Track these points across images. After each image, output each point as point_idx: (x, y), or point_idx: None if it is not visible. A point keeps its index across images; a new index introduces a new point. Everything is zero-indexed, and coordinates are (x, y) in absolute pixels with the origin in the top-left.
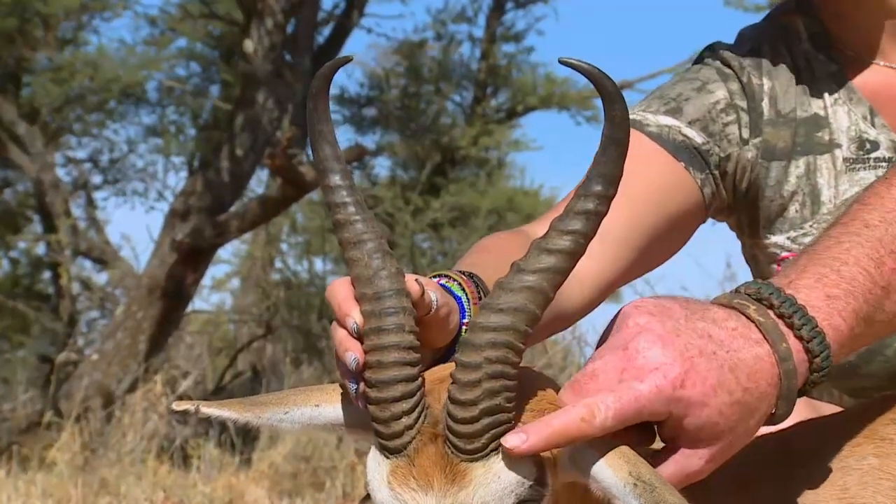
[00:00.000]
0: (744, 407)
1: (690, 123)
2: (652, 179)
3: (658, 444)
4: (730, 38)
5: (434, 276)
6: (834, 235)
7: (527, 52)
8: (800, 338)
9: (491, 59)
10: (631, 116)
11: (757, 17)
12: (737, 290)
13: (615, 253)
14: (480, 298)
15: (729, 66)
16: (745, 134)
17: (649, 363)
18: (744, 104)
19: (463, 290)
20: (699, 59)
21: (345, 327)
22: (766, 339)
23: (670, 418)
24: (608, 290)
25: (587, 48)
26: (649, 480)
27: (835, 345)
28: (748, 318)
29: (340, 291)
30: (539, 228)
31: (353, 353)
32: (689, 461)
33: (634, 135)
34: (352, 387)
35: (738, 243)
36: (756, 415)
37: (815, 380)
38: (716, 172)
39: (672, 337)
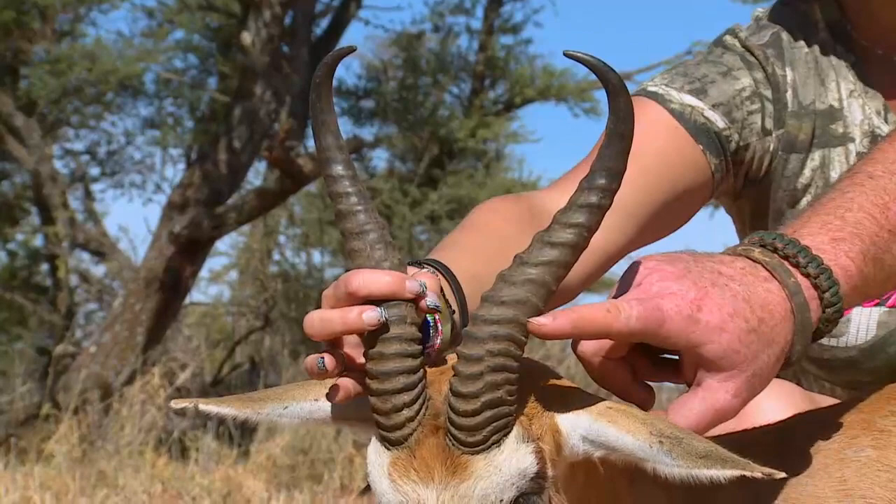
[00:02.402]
0: (761, 336)
1: (714, 107)
2: (667, 156)
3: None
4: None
5: None
6: (838, 188)
7: (525, 43)
8: (807, 275)
9: (489, 51)
10: (652, 89)
11: (756, 7)
12: (741, 242)
13: (622, 224)
14: (448, 282)
15: (752, 54)
16: (769, 125)
17: (665, 290)
18: (769, 94)
19: None
20: (719, 43)
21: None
22: (773, 276)
23: (689, 349)
24: (610, 262)
25: (585, 40)
26: (672, 434)
27: (845, 284)
28: (754, 259)
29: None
30: (548, 196)
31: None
32: (715, 395)
33: (655, 108)
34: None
35: (735, 236)
36: (774, 347)
37: (829, 317)
38: (731, 159)
39: (683, 272)
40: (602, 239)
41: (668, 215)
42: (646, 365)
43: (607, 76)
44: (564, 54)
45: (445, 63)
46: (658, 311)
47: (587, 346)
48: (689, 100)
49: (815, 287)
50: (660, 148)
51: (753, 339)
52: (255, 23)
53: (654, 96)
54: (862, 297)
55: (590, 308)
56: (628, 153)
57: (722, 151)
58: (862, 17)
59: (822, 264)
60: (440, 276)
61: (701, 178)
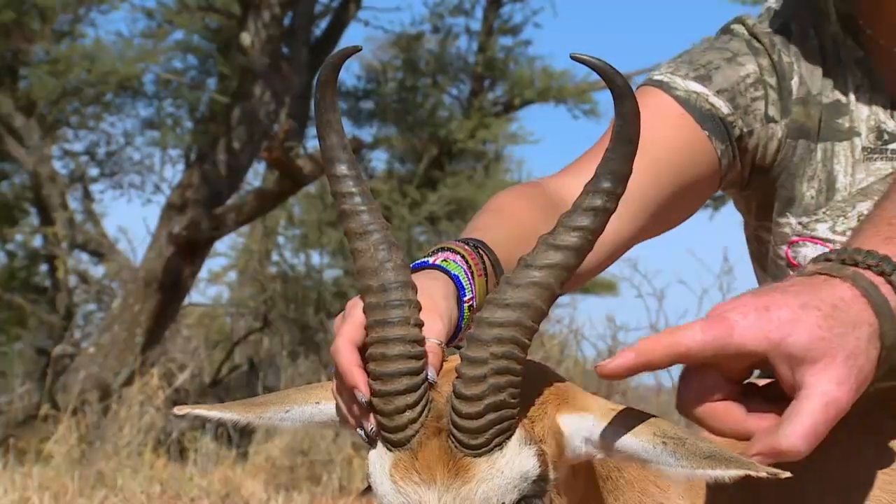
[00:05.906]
0: (840, 321)
1: (718, 93)
2: (675, 143)
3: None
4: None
5: (438, 251)
6: (877, 205)
7: (524, 45)
8: (867, 266)
9: (488, 52)
10: (658, 77)
11: (756, 9)
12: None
13: (633, 213)
14: (485, 268)
15: (759, 41)
16: (772, 112)
17: (727, 308)
18: (773, 81)
19: (466, 261)
20: (727, 30)
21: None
22: (832, 275)
23: (773, 351)
24: (621, 251)
25: (584, 41)
26: (675, 435)
27: None
28: (808, 274)
29: (346, 355)
30: (562, 182)
31: (368, 423)
32: (819, 389)
33: (661, 96)
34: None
35: (736, 237)
36: (860, 328)
37: None
38: (736, 145)
39: (742, 295)
40: (615, 228)
41: (676, 203)
42: (758, 403)
43: (614, 79)
44: (571, 57)
45: (445, 64)
46: (724, 321)
47: (687, 395)
48: (694, 86)
49: (881, 273)
50: (667, 135)
51: (833, 323)
52: (254, 24)
53: (660, 84)
54: None
55: (652, 336)
56: (634, 157)
57: (727, 137)
58: (872, 10)
59: (879, 253)
60: (483, 254)
61: (708, 164)
